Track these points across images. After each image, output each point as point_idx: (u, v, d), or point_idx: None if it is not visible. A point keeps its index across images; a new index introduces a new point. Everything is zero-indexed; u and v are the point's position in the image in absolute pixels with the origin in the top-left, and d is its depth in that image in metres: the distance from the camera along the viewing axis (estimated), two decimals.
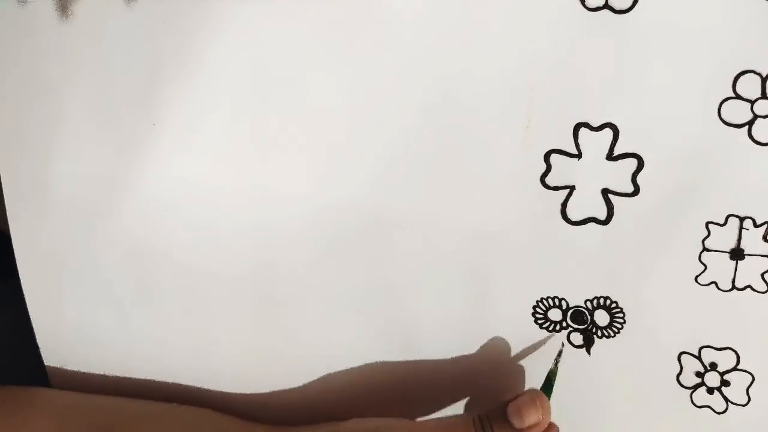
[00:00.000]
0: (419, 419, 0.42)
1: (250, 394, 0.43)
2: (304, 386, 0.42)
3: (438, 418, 0.37)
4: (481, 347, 0.41)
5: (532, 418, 0.36)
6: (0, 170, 0.39)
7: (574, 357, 0.41)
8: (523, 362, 0.41)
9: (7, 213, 0.40)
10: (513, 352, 0.41)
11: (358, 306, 0.41)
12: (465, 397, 0.42)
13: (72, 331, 0.42)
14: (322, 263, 0.40)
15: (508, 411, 0.36)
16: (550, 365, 0.40)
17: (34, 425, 0.38)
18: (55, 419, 0.38)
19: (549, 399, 0.38)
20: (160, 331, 0.42)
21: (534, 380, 0.41)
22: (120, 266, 0.41)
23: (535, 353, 0.41)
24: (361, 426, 0.37)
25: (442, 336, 0.41)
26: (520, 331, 0.40)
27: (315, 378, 0.42)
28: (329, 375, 0.42)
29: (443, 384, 0.42)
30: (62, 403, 0.40)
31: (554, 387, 0.39)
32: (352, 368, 0.42)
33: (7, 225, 0.41)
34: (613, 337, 0.40)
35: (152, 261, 0.41)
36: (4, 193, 0.40)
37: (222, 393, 0.43)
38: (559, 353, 0.40)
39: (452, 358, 0.41)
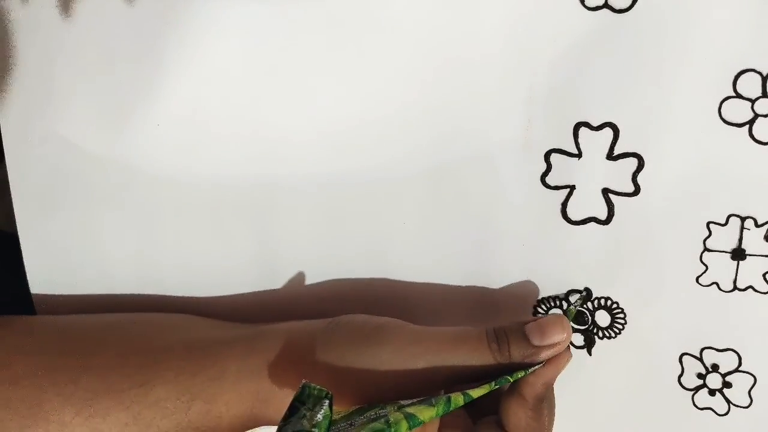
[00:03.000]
0: None
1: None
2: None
3: (448, 327, 0.35)
4: None
5: (555, 336, 0.33)
6: (8, 171, 0.40)
7: (575, 358, 0.40)
8: None
9: (14, 207, 0.41)
10: None
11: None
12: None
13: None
14: (320, 256, 0.40)
15: (528, 328, 0.34)
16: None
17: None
18: (27, 341, 0.37)
19: None
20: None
21: None
22: (125, 265, 0.41)
23: None
24: (367, 322, 0.35)
25: None
26: None
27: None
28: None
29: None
30: (36, 326, 0.39)
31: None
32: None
33: (15, 226, 0.41)
34: (614, 338, 0.40)
35: (155, 260, 0.41)
36: (11, 188, 0.40)
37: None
38: (582, 297, 0.39)
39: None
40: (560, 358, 0.34)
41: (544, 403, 0.34)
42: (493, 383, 0.32)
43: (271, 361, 0.35)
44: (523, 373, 0.33)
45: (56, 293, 0.42)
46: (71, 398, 0.34)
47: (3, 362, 0.35)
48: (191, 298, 0.42)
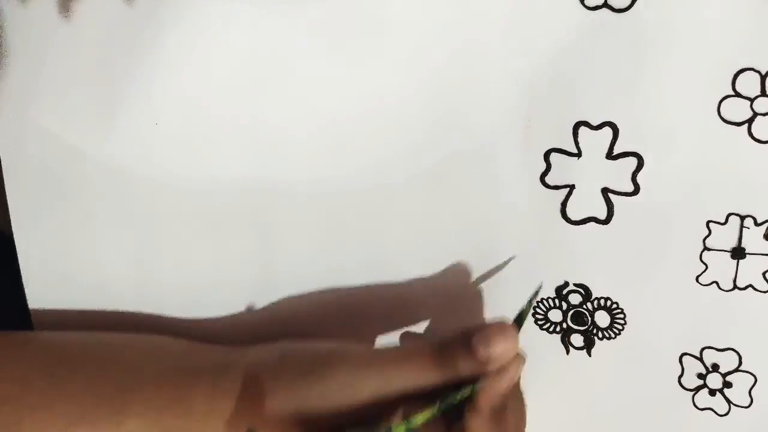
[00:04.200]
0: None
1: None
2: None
3: (395, 346, 0.34)
4: None
5: (500, 347, 0.32)
6: (3, 170, 0.40)
7: (574, 359, 0.40)
8: None
9: (10, 213, 0.40)
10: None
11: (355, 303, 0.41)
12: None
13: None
14: (319, 256, 0.40)
15: (474, 340, 0.32)
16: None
17: None
18: (9, 363, 0.37)
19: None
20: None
21: None
22: (120, 269, 0.41)
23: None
24: (316, 348, 0.35)
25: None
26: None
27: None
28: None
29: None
30: (18, 346, 0.39)
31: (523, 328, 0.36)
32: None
33: (9, 226, 0.41)
34: (614, 338, 0.39)
35: (153, 266, 0.41)
36: (6, 192, 0.40)
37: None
38: (536, 293, 0.37)
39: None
40: (509, 367, 0.32)
41: (508, 413, 0.33)
42: (437, 406, 0.31)
43: (233, 401, 0.34)
44: (469, 390, 0.32)
45: (53, 304, 0.42)
46: (46, 425, 0.34)
47: None
48: (189, 318, 0.42)
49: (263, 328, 0.41)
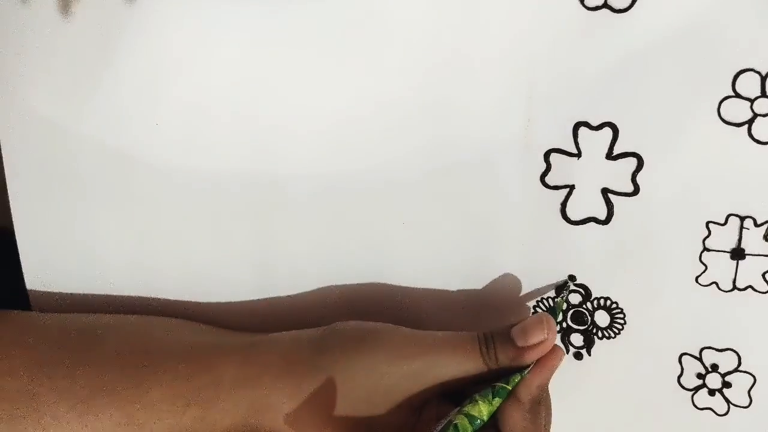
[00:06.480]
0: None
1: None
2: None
3: (440, 332, 0.35)
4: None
5: (536, 336, 0.33)
6: (5, 167, 0.40)
7: (573, 359, 0.40)
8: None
9: (11, 205, 0.41)
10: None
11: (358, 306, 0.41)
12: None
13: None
14: (319, 255, 0.40)
15: (513, 331, 0.34)
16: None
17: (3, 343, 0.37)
18: (24, 334, 0.37)
19: None
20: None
21: None
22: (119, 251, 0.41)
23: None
24: (359, 327, 0.36)
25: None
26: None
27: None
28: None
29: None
30: (34, 321, 0.39)
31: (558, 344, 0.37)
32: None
33: (9, 219, 0.41)
34: (613, 338, 0.40)
35: (153, 260, 0.41)
36: (7, 186, 0.40)
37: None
38: (567, 287, 0.39)
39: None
40: (550, 358, 0.34)
41: (541, 405, 0.34)
42: (490, 397, 0.33)
43: (267, 371, 0.35)
44: (519, 377, 0.33)
45: (52, 290, 0.42)
46: (66, 393, 0.34)
47: (1, 354, 0.35)
48: (188, 301, 0.42)
49: (262, 319, 0.41)
